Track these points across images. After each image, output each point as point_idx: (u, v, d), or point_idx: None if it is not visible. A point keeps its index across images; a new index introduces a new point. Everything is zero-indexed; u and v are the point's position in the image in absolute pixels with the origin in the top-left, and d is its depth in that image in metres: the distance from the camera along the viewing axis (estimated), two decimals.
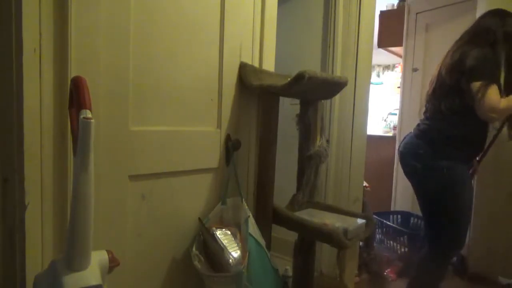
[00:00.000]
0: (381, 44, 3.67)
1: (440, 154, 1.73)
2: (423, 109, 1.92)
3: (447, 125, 1.73)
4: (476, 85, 1.59)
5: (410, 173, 1.88)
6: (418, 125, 1.90)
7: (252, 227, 1.27)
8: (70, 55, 0.93)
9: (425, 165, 1.76)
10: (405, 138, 1.95)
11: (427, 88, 1.89)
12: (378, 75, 5.47)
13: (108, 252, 0.83)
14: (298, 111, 1.53)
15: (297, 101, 1.54)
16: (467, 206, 1.78)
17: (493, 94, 1.58)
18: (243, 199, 1.33)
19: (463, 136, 1.72)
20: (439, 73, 1.78)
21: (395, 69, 5.22)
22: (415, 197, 1.97)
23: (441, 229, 1.78)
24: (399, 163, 1.98)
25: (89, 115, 0.69)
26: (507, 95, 1.65)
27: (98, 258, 0.79)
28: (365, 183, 2.40)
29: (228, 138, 1.38)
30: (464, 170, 1.77)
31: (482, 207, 2.34)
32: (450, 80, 1.70)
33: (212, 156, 1.34)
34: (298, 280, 1.53)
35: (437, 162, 1.73)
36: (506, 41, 1.68)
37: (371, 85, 2.24)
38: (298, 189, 1.55)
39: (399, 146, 1.97)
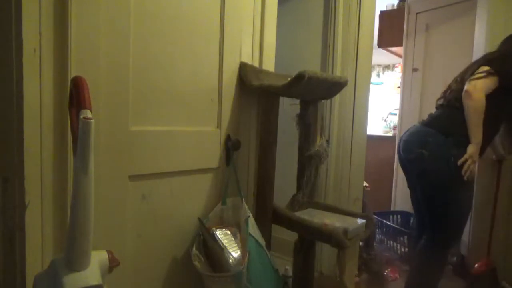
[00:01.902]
0: (381, 44, 3.67)
1: (452, 140, 1.73)
2: (440, 101, 1.94)
3: (462, 113, 1.73)
4: (484, 68, 1.70)
5: (414, 160, 1.86)
6: (426, 117, 1.91)
7: (252, 227, 1.27)
8: (70, 55, 0.93)
9: (433, 152, 1.76)
10: (408, 130, 1.96)
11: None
12: (378, 75, 5.47)
13: (108, 252, 0.83)
14: (298, 111, 1.53)
15: (297, 101, 1.54)
16: (470, 196, 1.78)
17: (488, 83, 1.68)
18: (243, 199, 1.33)
19: None
20: (456, 82, 1.84)
21: (395, 69, 5.22)
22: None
23: (443, 218, 1.78)
24: (399, 152, 1.98)
25: (89, 115, 0.69)
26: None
27: (98, 258, 0.79)
28: (365, 183, 2.40)
29: (228, 138, 1.38)
30: None
31: (482, 207, 2.34)
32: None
33: (212, 156, 1.34)
34: (298, 280, 1.52)
35: (447, 149, 1.73)
36: None
37: (371, 85, 2.24)
38: (298, 189, 1.55)
39: (402, 136, 1.97)
